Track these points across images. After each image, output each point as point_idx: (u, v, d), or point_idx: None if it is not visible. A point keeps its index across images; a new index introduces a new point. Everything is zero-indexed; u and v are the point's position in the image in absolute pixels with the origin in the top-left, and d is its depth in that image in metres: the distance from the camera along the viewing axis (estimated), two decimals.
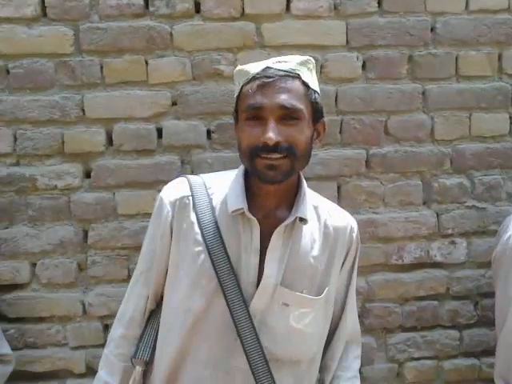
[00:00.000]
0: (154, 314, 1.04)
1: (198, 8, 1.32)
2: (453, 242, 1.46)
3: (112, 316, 1.13)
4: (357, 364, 1.10)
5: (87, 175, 1.35)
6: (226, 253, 0.93)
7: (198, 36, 1.32)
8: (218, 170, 1.28)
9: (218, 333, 0.93)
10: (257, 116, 0.89)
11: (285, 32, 1.34)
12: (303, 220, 0.95)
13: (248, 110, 0.90)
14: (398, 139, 1.42)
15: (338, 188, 1.42)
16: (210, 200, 0.98)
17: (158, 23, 1.31)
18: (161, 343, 1.00)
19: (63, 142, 1.32)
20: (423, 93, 1.42)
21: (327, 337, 1.06)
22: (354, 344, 1.10)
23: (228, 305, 0.92)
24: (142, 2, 1.30)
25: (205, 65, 1.33)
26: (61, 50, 1.29)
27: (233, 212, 0.94)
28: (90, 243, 1.35)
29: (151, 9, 1.30)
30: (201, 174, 1.04)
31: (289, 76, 0.90)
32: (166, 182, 1.30)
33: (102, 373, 1.03)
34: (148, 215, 1.33)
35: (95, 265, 1.36)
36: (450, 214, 1.45)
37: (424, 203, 1.45)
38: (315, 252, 0.98)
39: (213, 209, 0.97)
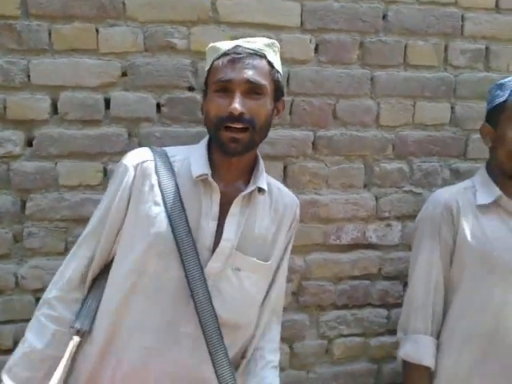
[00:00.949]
0: (97, 283, 1.28)
1: None
2: (388, 225, 1.87)
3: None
4: (279, 337, 1.42)
5: (29, 143, 1.58)
6: (185, 216, 1.22)
7: (151, 7, 1.58)
8: (166, 145, 1.57)
9: (170, 297, 1.20)
10: (225, 88, 1.22)
11: (240, 9, 1.64)
12: (262, 190, 1.30)
13: (217, 83, 1.23)
14: (345, 123, 1.79)
15: (285, 168, 1.77)
16: (172, 166, 1.28)
17: None
18: (104, 307, 1.22)
19: (5, 108, 1.54)
20: (372, 79, 1.79)
21: None
22: (276, 317, 1.44)
23: (184, 267, 1.19)
24: None
25: (158, 37, 1.60)
26: (7, 12, 1.50)
27: (197, 177, 1.25)
28: (28, 214, 1.59)
29: None
30: (163, 147, 1.35)
31: (256, 55, 1.24)
32: (111, 155, 1.62)
33: (28, 335, 1.21)
34: (90, 187, 1.62)
35: (32, 236, 1.60)
36: (388, 197, 1.86)
37: (365, 186, 1.84)
38: (266, 223, 1.33)
39: (174, 174, 1.27)
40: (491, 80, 1.77)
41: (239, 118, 1.19)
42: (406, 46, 1.81)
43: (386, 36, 1.78)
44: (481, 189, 1.57)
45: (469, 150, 1.90)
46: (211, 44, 1.30)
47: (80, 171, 1.61)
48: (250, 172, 1.34)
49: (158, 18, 1.59)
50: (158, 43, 1.60)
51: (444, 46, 1.84)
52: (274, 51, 1.29)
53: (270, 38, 1.64)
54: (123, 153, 1.55)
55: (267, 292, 1.38)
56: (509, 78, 1.57)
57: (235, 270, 1.26)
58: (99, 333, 1.22)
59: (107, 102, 1.61)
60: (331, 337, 1.87)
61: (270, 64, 1.26)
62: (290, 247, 1.44)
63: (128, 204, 1.25)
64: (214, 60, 1.26)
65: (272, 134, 1.71)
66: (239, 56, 1.22)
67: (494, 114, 1.55)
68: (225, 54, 1.24)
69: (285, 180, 1.76)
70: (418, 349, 1.54)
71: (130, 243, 1.23)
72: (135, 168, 1.27)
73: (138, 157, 1.30)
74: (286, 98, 1.71)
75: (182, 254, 1.20)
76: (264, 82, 1.23)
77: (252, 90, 1.22)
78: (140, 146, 1.61)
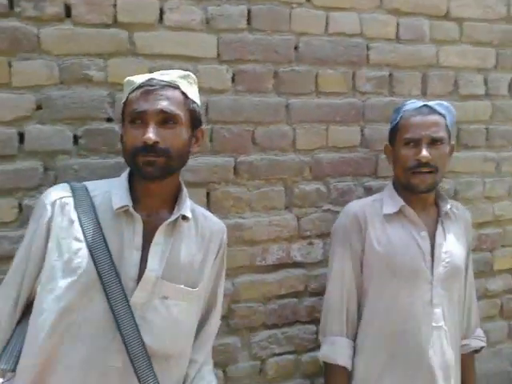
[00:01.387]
0: (21, 322, 1.23)
1: (68, 12, 1.54)
2: (311, 243, 1.92)
3: None
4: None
5: None
6: (107, 248, 1.20)
7: (67, 40, 1.54)
8: (84, 177, 1.55)
9: (95, 332, 1.17)
10: (140, 119, 1.23)
11: (158, 42, 1.64)
12: (185, 218, 1.30)
13: (132, 114, 1.24)
14: (264, 148, 1.83)
15: (208, 194, 1.77)
16: (92, 200, 1.26)
17: (25, 25, 1.49)
18: (28, 346, 1.18)
19: None
20: (287, 106, 1.85)
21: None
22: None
23: (108, 300, 1.17)
24: (5, 2, 1.46)
25: (74, 69, 1.55)
26: None
27: (117, 209, 1.23)
28: None
29: (17, 9, 1.48)
30: (83, 182, 1.32)
31: (169, 86, 1.26)
32: (26, 190, 1.55)
33: None
34: (5, 224, 1.54)
35: None
36: (308, 217, 1.91)
37: (286, 208, 1.88)
38: (193, 250, 1.32)
39: (95, 208, 1.25)
40: (395, 104, 1.88)
41: (153, 147, 1.20)
42: (317, 75, 1.88)
43: (298, 66, 1.85)
44: (387, 201, 1.68)
45: (379, 169, 2.00)
46: (127, 78, 1.31)
47: None
48: (173, 200, 1.33)
49: (73, 50, 1.55)
50: (74, 76, 1.56)
51: (352, 74, 1.93)
52: (188, 82, 1.31)
53: (188, 69, 1.66)
54: (39, 187, 1.53)
55: (207, 319, 1.39)
56: (403, 103, 1.72)
57: (162, 298, 1.24)
58: (24, 373, 1.17)
59: (21, 136, 1.54)
60: (264, 357, 1.87)
61: (184, 94, 1.28)
62: (223, 273, 1.45)
63: (47, 242, 1.22)
64: (129, 93, 1.27)
65: (193, 161, 1.72)
66: (152, 88, 1.23)
67: (392, 135, 1.70)
68: (139, 86, 1.25)
69: (208, 206, 1.76)
70: (334, 350, 1.63)
71: (51, 280, 1.19)
72: (53, 205, 1.24)
73: (56, 193, 1.27)
74: (206, 126, 1.73)
75: (106, 286, 1.17)
76: (178, 111, 1.24)
77: (166, 119, 1.23)
78: (57, 179, 1.56)
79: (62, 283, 1.17)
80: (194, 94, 1.33)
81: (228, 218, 1.79)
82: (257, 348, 1.86)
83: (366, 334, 1.64)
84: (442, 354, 1.59)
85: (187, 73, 1.33)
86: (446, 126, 1.62)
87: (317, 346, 1.91)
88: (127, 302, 1.18)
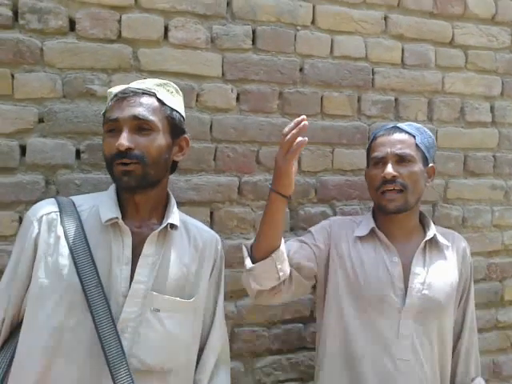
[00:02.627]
0: (7, 341, 1.12)
1: (72, 26, 1.47)
2: None
3: None
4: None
5: None
6: (94, 265, 1.09)
7: (71, 54, 1.46)
8: (86, 192, 1.45)
9: (87, 351, 1.06)
10: (115, 127, 1.15)
11: (162, 59, 1.56)
12: (173, 226, 1.18)
13: (107, 123, 1.17)
14: (269, 169, 1.71)
15: (211, 213, 1.65)
16: (79, 215, 1.16)
17: (28, 37, 1.42)
18: (17, 368, 1.08)
19: None
20: None
21: (198, 353, 1.24)
22: (225, 364, 1.31)
23: (94, 319, 1.06)
24: (10, 14, 1.41)
25: (77, 83, 1.48)
26: None
27: (106, 222, 1.13)
28: None
29: (21, 22, 1.42)
30: (70, 197, 1.22)
31: (144, 93, 1.18)
32: (27, 203, 1.44)
33: None
34: (5, 238, 1.43)
35: None
36: None
37: (291, 230, 1.75)
38: (186, 261, 1.21)
39: (81, 223, 1.14)
40: None
41: (127, 153, 1.12)
42: (322, 97, 1.78)
43: (303, 87, 1.75)
44: (361, 222, 1.55)
45: None
46: (108, 90, 1.25)
47: None
48: (163, 211, 1.24)
49: (77, 64, 1.47)
50: (77, 89, 1.48)
51: (357, 97, 1.83)
52: (167, 90, 1.23)
53: (193, 87, 1.58)
54: (40, 201, 1.39)
55: (207, 335, 1.27)
56: (381, 125, 1.62)
57: (154, 311, 1.13)
58: None
59: (23, 149, 1.45)
60: (268, 383, 1.71)
61: (160, 101, 1.19)
62: (221, 284, 1.32)
63: (34, 259, 1.12)
64: (108, 103, 1.21)
65: (197, 179, 1.62)
66: (125, 95, 1.16)
67: (367, 158, 1.58)
68: (115, 95, 1.18)
69: (212, 225, 1.63)
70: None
71: (39, 298, 1.09)
72: (39, 221, 1.14)
73: (42, 209, 1.17)
74: (210, 145, 1.63)
75: (92, 305, 1.07)
76: (152, 117, 1.16)
77: (140, 125, 1.15)
78: (58, 193, 1.46)
79: (51, 302, 1.08)
80: (173, 102, 1.23)
81: (232, 238, 1.66)
82: (260, 374, 1.71)
83: (324, 353, 1.48)
84: None
85: (166, 81, 1.25)
86: (416, 145, 1.48)
87: None
88: (113, 323, 1.07)
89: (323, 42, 1.76)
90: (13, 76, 1.42)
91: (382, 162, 1.47)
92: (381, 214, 1.52)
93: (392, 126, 1.54)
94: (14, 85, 1.42)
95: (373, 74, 1.84)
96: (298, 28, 1.72)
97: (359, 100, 1.83)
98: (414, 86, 1.89)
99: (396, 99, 1.88)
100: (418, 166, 1.47)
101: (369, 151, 1.56)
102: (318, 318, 1.58)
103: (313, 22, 1.74)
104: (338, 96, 1.79)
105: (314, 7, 1.74)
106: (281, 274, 1.34)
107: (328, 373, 1.47)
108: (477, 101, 1.99)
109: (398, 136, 1.48)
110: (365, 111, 1.84)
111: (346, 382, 1.43)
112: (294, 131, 1.20)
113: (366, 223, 1.53)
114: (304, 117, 1.21)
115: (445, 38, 1.93)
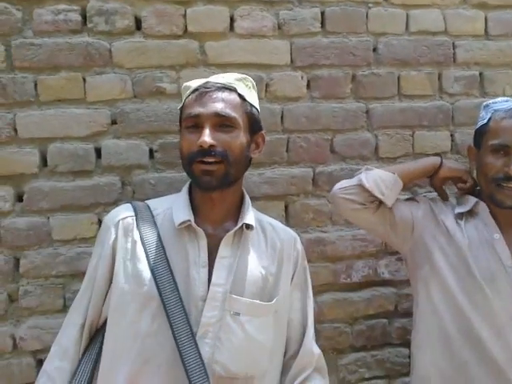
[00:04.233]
0: (89, 347, 1.08)
1: (138, 25, 1.40)
2: (400, 259, 1.60)
3: (46, 350, 1.15)
4: None
5: (19, 199, 1.37)
6: (170, 270, 1.02)
7: (138, 53, 1.39)
8: (161, 191, 1.38)
9: (170, 360, 0.99)
10: (195, 124, 1.05)
11: (229, 51, 1.45)
12: (249, 227, 1.08)
13: (187, 119, 1.07)
14: (344, 157, 1.56)
15: (286, 207, 1.53)
16: (154, 219, 1.09)
17: (97, 40, 1.37)
18: (105, 376, 1.03)
19: None
20: (367, 111, 1.57)
21: (288, 363, 1.13)
22: (321, 374, 1.19)
23: (171, 327, 0.98)
24: (79, 18, 1.36)
25: (146, 82, 1.41)
26: None
27: (179, 225, 1.05)
28: (22, 272, 1.37)
29: (89, 25, 1.37)
30: (146, 201, 1.16)
31: (225, 88, 1.08)
32: (105, 205, 1.40)
33: None
34: (85, 240, 1.40)
35: (28, 295, 1.37)
36: None
37: None
38: (264, 262, 1.10)
39: (157, 227, 1.08)
40: None
41: (210, 151, 1.03)
42: (399, 77, 1.59)
43: (377, 68, 1.57)
44: (460, 201, 1.40)
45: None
46: (184, 84, 1.17)
47: (74, 224, 1.39)
48: (238, 211, 1.14)
49: (145, 63, 1.40)
50: (147, 88, 1.41)
51: (438, 75, 1.63)
52: (246, 85, 1.14)
53: (261, 77, 1.47)
54: (117, 202, 1.37)
55: (300, 340, 1.15)
56: (494, 100, 1.36)
57: (234, 315, 1.03)
58: None
59: (98, 152, 1.40)
60: (353, 381, 1.58)
61: (241, 97, 1.10)
62: (308, 285, 1.21)
63: (113, 264, 1.07)
64: (186, 98, 1.12)
65: (270, 173, 1.51)
66: (207, 90, 1.08)
67: (478, 136, 1.34)
68: (194, 90, 1.10)
69: (287, 219, 1.52)
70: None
71: (121, 305, 1.04)
72: (116, 226, 1.09)
73: (119, 214, 1.12)
74: (282, 136, 1.51)
75: (169, 313, 0.99)
76: (234, 114, 1.07)
77: (222, 122, 1.06)
78: (134, 194, 1.41)
79: (132, 309, 1.03)
80: (252, 97, 1.14)
81: (308, 231, 1.54)
82: (345, 371, 1.58)
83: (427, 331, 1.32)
84: None
85: (244, 76, 1.16)
86: None
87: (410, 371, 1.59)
88: (190, 330, 0.99)
89: (397, 18, 1.57)
90: (84, 79, 1.38)
91: (505, 151, 1.26)
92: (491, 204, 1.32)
93: None
94: (85, 88, 1.38)
95: (454, 49, 1.62)
96: (370, 5, 1.55)
97: (440, 77, 1.62)
98: (500, 58, 1.65)
99: (481, 74, 1.65)
100: None
101: (483, 130, 1.32)
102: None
103: None
104: (416, 75, 1.60)
105: None
106: (386, 194, 1.32)
107: (428, 353, 1.31)
108: None
109: None
110: (447, 89, 1.63)
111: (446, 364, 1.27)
112: None
113: (466, 201, 1.36)
114: None
115: None
